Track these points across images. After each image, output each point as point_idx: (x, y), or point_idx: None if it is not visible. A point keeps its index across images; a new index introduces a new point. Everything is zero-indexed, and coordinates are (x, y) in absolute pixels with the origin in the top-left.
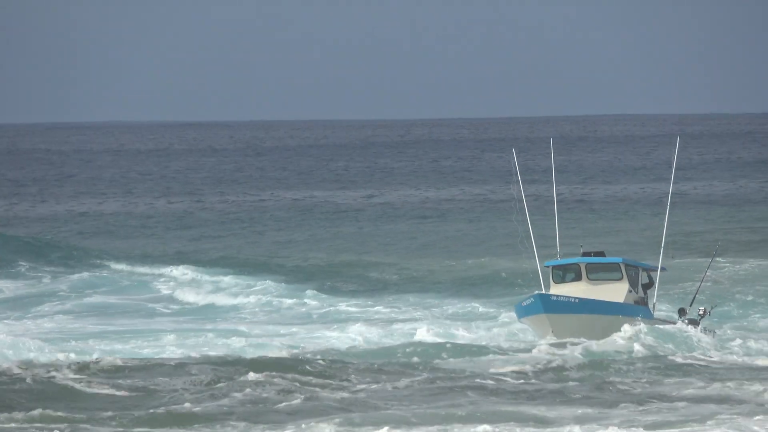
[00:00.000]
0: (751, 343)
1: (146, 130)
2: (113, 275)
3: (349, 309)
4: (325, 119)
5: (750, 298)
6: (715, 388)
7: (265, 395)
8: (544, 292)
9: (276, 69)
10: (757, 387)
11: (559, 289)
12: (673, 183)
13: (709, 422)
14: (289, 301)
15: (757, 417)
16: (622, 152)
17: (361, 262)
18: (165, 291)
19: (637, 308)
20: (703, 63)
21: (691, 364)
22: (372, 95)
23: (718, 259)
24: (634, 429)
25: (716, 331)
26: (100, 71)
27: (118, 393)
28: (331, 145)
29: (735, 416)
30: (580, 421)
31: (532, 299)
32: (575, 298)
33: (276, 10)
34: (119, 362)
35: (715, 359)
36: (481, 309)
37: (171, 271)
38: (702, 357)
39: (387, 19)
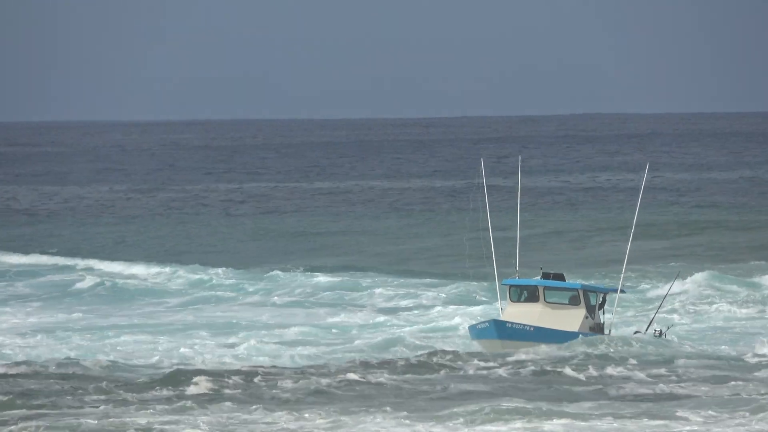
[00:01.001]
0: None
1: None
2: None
3: (291, 299)
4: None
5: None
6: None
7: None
8: (500, 306)
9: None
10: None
11: (515, 308)
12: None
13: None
14: (207, 293)
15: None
16: (592, 151)
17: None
18: (84, 281)
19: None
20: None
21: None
22: (358, 94)
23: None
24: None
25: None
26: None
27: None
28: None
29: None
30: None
31: (487, 324)
32: (530, 326)
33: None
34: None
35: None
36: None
37: (93, 264)
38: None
39: (374, 18)
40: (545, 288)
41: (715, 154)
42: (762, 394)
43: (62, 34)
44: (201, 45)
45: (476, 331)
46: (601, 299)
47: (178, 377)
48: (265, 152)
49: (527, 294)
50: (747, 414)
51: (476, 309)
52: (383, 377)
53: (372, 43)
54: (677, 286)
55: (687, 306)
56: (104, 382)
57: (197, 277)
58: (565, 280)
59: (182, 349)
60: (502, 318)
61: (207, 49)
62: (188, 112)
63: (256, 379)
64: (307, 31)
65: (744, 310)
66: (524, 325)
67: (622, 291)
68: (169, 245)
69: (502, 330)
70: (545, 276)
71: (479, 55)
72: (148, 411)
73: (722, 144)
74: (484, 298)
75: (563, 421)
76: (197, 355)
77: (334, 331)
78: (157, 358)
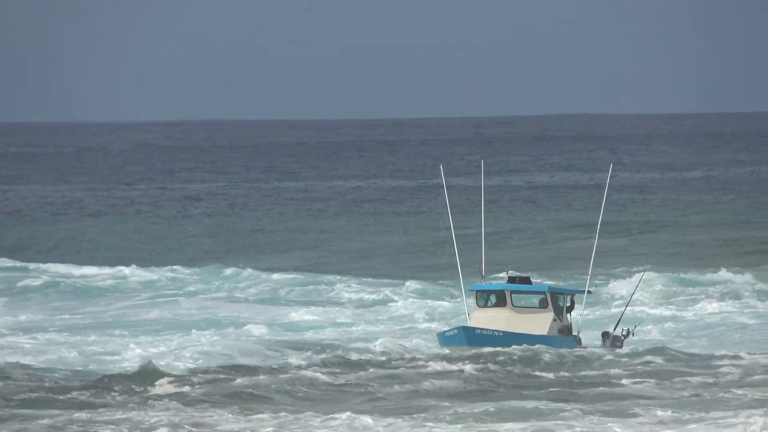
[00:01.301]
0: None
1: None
2: None
3: (251, 297)
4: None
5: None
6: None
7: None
8: (467, 313)
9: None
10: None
11: (483, 314)
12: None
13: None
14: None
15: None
16: (556, 152)
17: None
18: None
19: (561, 341)
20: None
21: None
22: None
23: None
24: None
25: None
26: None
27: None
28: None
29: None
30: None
31: (456, 331)
32: (499, 331)
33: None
34: None
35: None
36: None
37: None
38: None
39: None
40: (512, 292)
41: (681, 154)
42: (722, 395)
43: (47, 35)
44: (189, 46)
45: (445, 339)
46: (569, 301)
47: (137, 377)
48: (234, 152)
49: (494, 299)
50: (704, 413)
51: (443, 305)
52: (346, 377)
53: (365, 44)
54: (644, 284)
55: (653, 304)
56: (61, 383)
57: (155, 275)
58: (531, 284)
59: (141, 349)
60: (470, 324)
61: (195, 50)
62: (173, 113)
63: (216, 378)
64: (299, 32)
65: (710, 308)
66: (493, 330)
67: (589, 291)
68: (126, 244)
69: (471, 337)
70: (511, 280)
71: (468, 56)
72: (98, 411)
73: (690, 144)
74: (449, 297)
75: (520, 421)
76: (159, 354)
77: (297, 329)
78: (117, 357)
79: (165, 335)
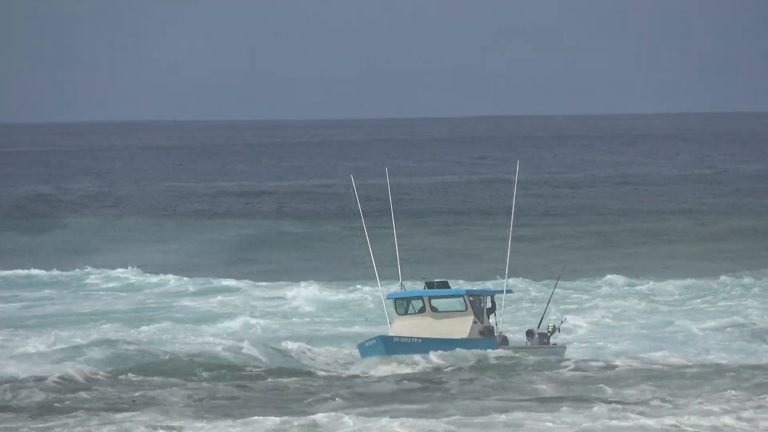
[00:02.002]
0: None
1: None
2: None
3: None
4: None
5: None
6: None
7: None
8: (388, 321)
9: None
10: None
11: (402, 321)
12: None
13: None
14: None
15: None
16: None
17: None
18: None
19: (482, 342)
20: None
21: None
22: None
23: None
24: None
25: (566, 345)
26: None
27: None
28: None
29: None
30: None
31: (374, 341)
32: (418, 338)
33: None
34: None
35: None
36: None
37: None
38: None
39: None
40: (430, 297)
41: (599, 154)
42: (603, 397)
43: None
44: (176, 50)
45: (365, 349)
46: (489, 302)
47: (34, 382)
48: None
49: (413, 306)
50: (592, 414)
51: (352, 297)
52: (247, 383)
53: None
54: (564, 281)
55: (571, 301)
56: None
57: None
58: (449, 287)
59: (39, 353)
60: (391, 332)
61: (181, 53)
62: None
63: (112, 383)
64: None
65: (626, 304)
66: (412, 338)
67: (508, 291)
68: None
69: (389, 346)
70: (429, 285)
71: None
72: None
73: (608, 143)
74: (358, 291)
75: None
76: (61, 356)
77: (201, 326)
78: (11, 359)
79: (57, 335)
